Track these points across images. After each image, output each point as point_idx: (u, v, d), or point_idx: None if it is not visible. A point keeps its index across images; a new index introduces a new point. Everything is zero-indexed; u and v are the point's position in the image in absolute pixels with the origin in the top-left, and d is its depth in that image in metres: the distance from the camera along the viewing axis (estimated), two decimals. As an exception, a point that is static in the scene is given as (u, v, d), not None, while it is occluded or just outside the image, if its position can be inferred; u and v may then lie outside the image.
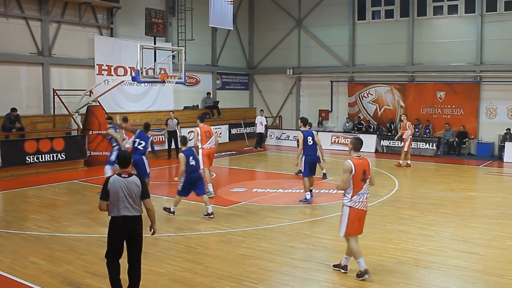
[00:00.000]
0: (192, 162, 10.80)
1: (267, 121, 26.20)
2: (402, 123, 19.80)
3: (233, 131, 25.24)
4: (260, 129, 24.88)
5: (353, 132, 25.06)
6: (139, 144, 12.47)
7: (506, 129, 21.48)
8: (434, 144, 22.35)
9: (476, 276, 7.60)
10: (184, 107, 25.20)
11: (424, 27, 23.95)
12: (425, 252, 8.73)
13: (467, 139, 22.45)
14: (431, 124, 23.50)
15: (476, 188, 15.88)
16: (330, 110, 27.19)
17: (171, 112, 21.78)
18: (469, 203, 13.21)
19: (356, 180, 7.25)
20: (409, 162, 19.00)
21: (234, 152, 22.93)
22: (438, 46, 23.47)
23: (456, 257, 8.46)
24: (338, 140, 24.92)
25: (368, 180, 7.42)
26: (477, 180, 17.28)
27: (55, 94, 19.45)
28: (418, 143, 22.70)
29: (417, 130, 23.63)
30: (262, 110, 26.85)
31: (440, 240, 9.43)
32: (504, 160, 20.43)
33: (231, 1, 22.73)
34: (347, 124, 25.90)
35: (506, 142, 21.04)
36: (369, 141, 23.35)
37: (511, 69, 21.62)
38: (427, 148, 22.52)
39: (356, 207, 7.34)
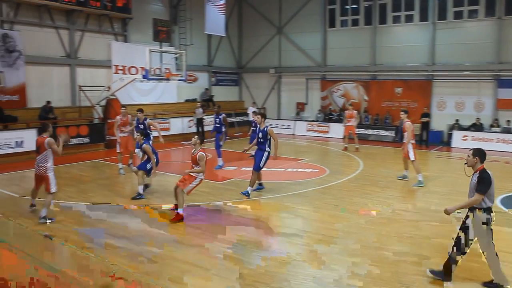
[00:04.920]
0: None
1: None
2: (347, 112, 19.19)
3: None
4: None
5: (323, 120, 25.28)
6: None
7: (456, 120, 21.74)
8: (393, 131, 22.56)
9: (424, 241, 7.80)
10: (185, 100, 25.19)
11: (384, 33, 24.00)
12: (384, 219, 8.92)
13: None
14: (390, 115, 23.69)
15: (428, 169, 15.51)
16: (306, 102, 27.28)
17: (198, 103, 21.90)
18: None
19: None
20: (346, 146, 19.03)
21: (227, 138, 22.90)
22: (397, 49, 23.56)
23: (409, 226, 8.60)
24: (312, 128, 25.10)
25: None
26: (429, 162, 17.13)
27: (80, 89, 19.43)
28: (380, 130, 22.95)
29: (377, 120, 23.90)
30: (254, 102, 27.03)
31: (398, 211, 9.58)
32: (452, 146, 20.57)
33: (223, 12, 22.62)
34: (319, 115, 26.03)
35: (453, 131, 21.25)
36: (339, 129, 23.54)
37: (459, 69, 21.71)
38: (387, 135, 22.76)
39: None
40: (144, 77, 18.04)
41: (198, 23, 23.65)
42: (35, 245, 7.55)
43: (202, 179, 9.06)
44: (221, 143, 14.65)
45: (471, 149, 6.00)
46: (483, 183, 5.74)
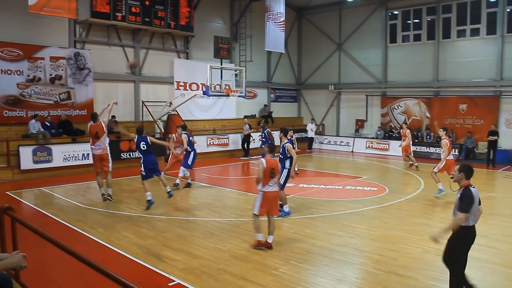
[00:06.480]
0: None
1: (316, 128, 26.23)
2: (402, 131, 18.84)
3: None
4: (311, 134, 24.96)
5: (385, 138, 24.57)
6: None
7: None
8: (456, 150, 21.34)
9: (495, 268, 7.19)
10: (244, 116, 25.41)
11: (448, 48, 23.05)
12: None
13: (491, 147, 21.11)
14: (454, 133, 22.55)
15: (495, 189, 14.77)
16: (365, 119, 26.72)
17: (246, 119, 22.10)
18: (488, 203, 12.34)
19: None
20: (411, 163, 18.39)
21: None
22: (461, 64, 22.56)
23: (476, 250, 7.80)
24: (371, 145, 24.49)
25: None
26: (496, 183, 16.14)
27: (143, 105, 20.11)
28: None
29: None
30: (312, 119, 26.94)
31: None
32: (522, 166, 19.33)
33: (283, 29, 22.76)
34: (379, 132, 25.35)
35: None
36: (398, 147, 22.76)
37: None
38: (449, 153, 21.66)
39: None
40: (205, 93, 18.42)
41: (258, 40, 23.96)
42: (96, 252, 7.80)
43: (264, 191, 7.91)
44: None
45: (459, 165, 5.77)
46: (465, 201, 5.43)
